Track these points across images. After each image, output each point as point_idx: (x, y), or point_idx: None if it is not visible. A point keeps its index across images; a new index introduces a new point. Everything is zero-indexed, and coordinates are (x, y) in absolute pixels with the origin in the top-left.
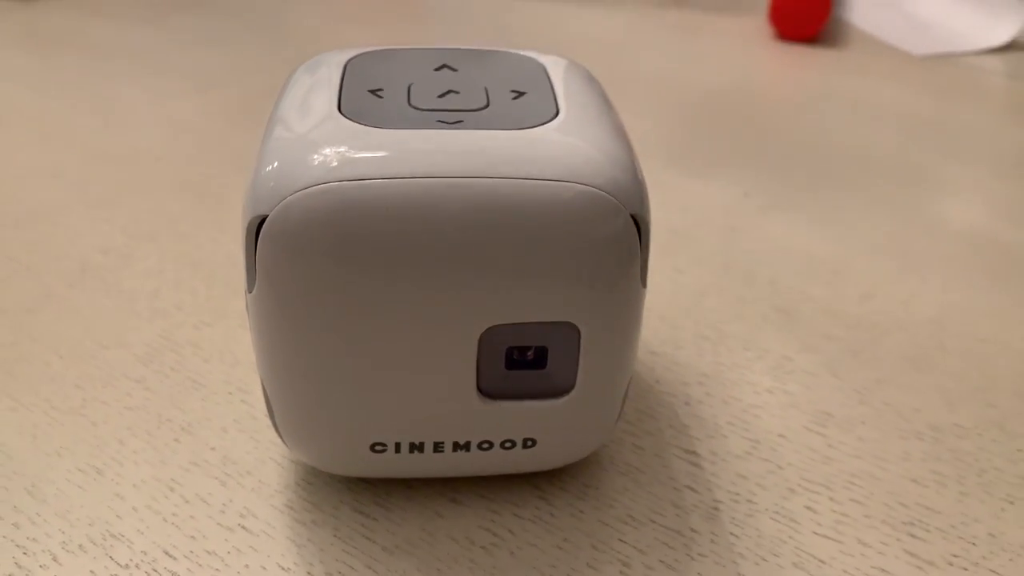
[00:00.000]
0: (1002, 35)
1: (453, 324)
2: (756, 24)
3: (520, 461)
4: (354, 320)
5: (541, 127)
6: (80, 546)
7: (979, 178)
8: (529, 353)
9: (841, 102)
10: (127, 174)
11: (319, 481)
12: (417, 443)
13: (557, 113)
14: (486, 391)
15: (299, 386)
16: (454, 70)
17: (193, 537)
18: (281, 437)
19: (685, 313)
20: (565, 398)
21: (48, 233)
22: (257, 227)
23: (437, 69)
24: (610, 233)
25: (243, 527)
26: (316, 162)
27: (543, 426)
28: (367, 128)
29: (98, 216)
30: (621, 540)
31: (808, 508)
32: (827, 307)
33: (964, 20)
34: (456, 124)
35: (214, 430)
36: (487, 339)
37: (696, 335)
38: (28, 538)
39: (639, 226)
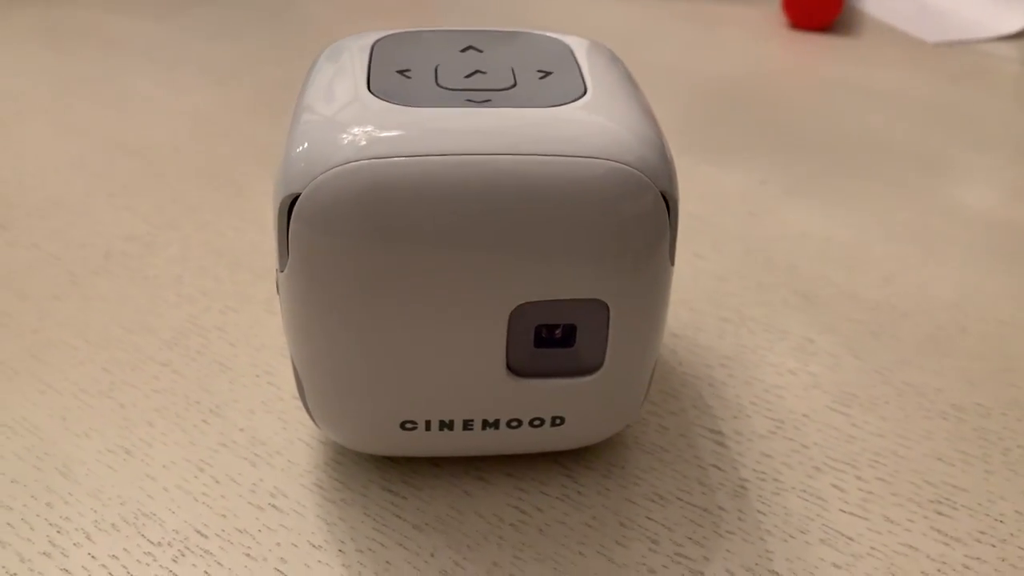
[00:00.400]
0: (1016, 22)
1: (483, 302)
2: (769, 13)
3: (548, 439)
4: (385, 298)
5: (569, 105)
6: (112, 525)
7: (995, 164)
8: (558, 331)
9: (855, 90)
10: (147, 165)
11: (348, 460)
12: (447, 421)
13: (585, 92)
14: (515, 369)
15: (330, 365)
16: (480, 51)
17: (224, 516)
18: (312, 416)
19: (706, 297)
20: (594, 376)
21: (71, 222)
22: (290, 206)
23: (463, 50)
24: (640, 210)
25: (273, 506)
26: (347, 141)
27: (572, 404)
28: (396, 107)
29: (120, 205)
30: (648, 518)
31: (834, 486)
32: (847, 291)
33: (978, 7)
34: (484, 103)
35: (242, 412)
36: (516, 317)
37: (717, 318)
38: (62, 517)
39: (668, 203)
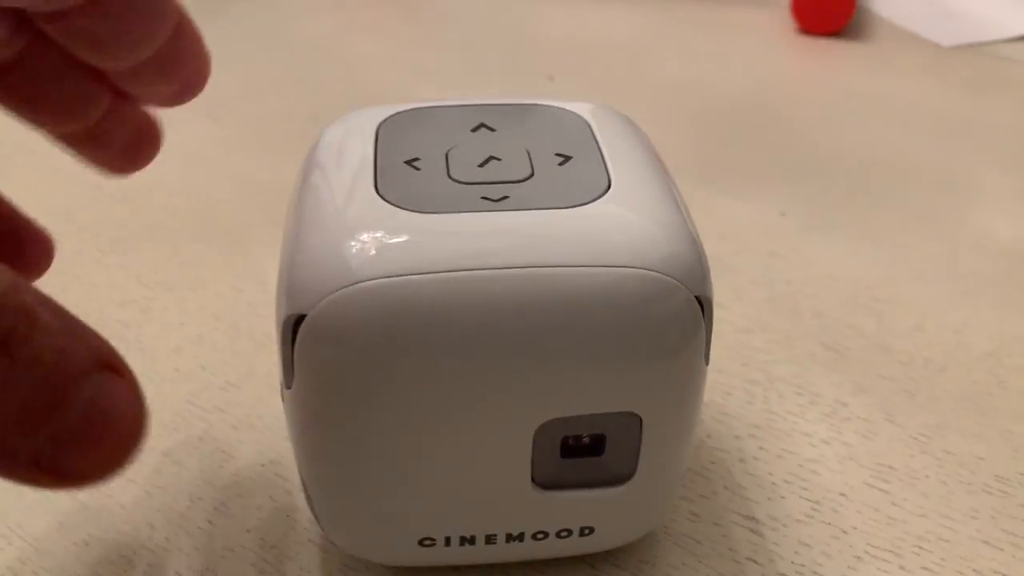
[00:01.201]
0: None
1: (507, 420)
2: (778, 17)
3: (575, 547)
4: (403, 418)
5: (593, 204)
6: None
7: (1021, 184)
8: (585, 439)
9: (872, 102)
10: (139, 213)
11: (362, 566)
12: (468, 536)
13: (608, 185)
14: (541, 482)
15: (344, 486)
16: (492, 130)
17: None
18: (321, 526)
19: (731, 354)
20: (624, 486)
21: (64, 285)
22: (295, 324)
23: (474, 130)
24: (672, 316)
25: None
26: (356, 257)
27: (600, 514)
28: (408, 213)
29: (112, 263)
30: None
31: None
32: (877, 342)
33: (992, 7)
34: (502, 200)
35: (249, 508)
36: (543, 431)
37: (745, 379)
38: None
39: (702, 305)
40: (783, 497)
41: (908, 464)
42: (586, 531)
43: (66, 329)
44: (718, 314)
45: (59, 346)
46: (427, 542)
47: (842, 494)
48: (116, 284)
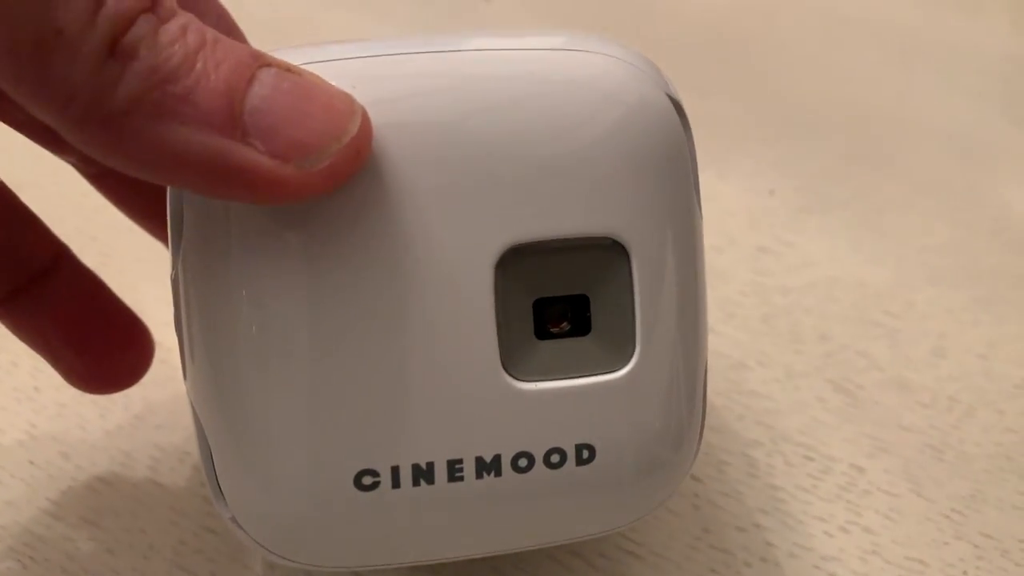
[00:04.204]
0: None
1: (459, 251)
2: None
3: (575, 499)
4: (318, 266)
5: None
6: None
7: None
8: (565, 324)
9: (859, 27)
10: None
11: None
12: (424, 464)
13: None
14: (513, 371)
15: (249, 392)
16: None
17: None
18: (223, 497)
19: (724, 397)
20: (624, 371)
21: None
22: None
23: None
24: (646, 106)
25: None
26: None
27: (599, 422)
28: None
29: None
30: None
31: None
32: (894, 376)
33: None
34: None
35: None
36: (506, 281)
37: (744, 441)
38: None
39: (682, 118)
40: None
41: (942, 557)
42: (584, 454)
43: None
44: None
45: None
46: (367, 480)
47: None
48: None
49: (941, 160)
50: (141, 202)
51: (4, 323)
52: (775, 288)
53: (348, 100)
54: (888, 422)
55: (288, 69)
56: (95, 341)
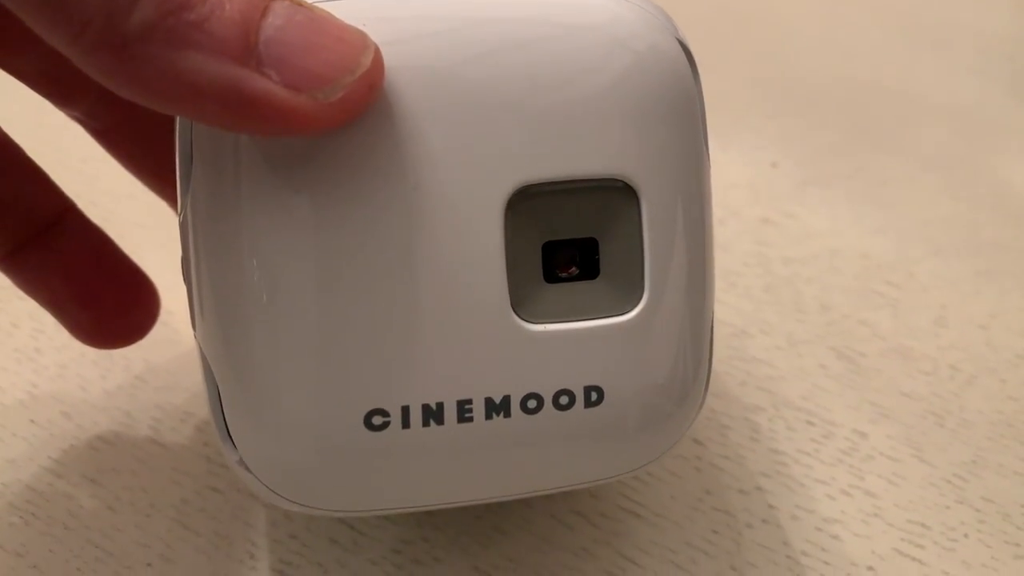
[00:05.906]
0: None
1: (469, 188)
2: None
3: (583, 442)
4: (327, 207)
5: None
6: None
7: None
8: (573, 268)
9: (863, 2)
10: None
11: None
12: (434, 405)
13: None
14: (522, 313)
15: (258, 333)
16: None
17: None
18: (232, 440)
19: (727, 365)
20: (633, 314)
21: None
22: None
23: None
24: (655, 48)
25: None
26: None
27: (608, 365)
28: None
29: None
30: None
31: None
32: (895, 344)
33: None
34: None
35: None
36: (516, 224)
37: (745, 405)
38: None
39: (691, 62)
40: None
41: (943, 520)
42: (593, 396)
43: None
44: None
45: None
46: (377, 419)
47: (870, 568)
48: None
49: (943, 135)
50: (147, 159)
51: (11, 277)
52: (777, 259)
53: (361, 35)
54: (890, 389)
55: (300, 4)
56: (101, 296)
